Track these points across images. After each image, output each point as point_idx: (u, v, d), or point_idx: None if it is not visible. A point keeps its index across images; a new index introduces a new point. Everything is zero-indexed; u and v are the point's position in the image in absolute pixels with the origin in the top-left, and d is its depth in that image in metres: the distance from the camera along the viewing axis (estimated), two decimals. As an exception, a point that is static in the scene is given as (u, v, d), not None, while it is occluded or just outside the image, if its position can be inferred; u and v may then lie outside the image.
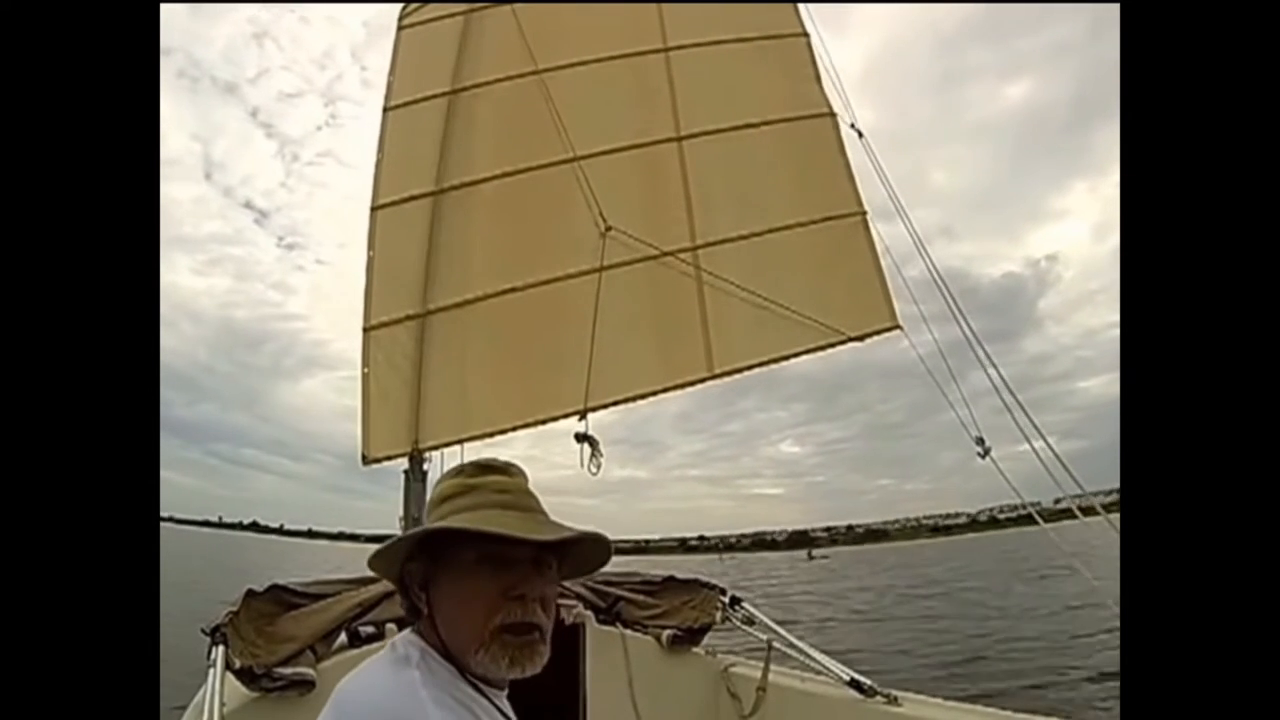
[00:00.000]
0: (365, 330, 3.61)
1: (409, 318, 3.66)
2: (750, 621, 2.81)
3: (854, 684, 2.29)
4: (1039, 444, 3.07)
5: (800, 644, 2.60)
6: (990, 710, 2.07)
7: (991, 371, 3.30)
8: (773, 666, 2.56)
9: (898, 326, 3.80)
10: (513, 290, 3.73)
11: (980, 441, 3.27)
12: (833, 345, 3.76)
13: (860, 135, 3.99)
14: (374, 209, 3.84)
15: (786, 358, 3.81)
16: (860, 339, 3.77)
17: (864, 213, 3.97)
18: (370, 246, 3.79)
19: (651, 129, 4.03)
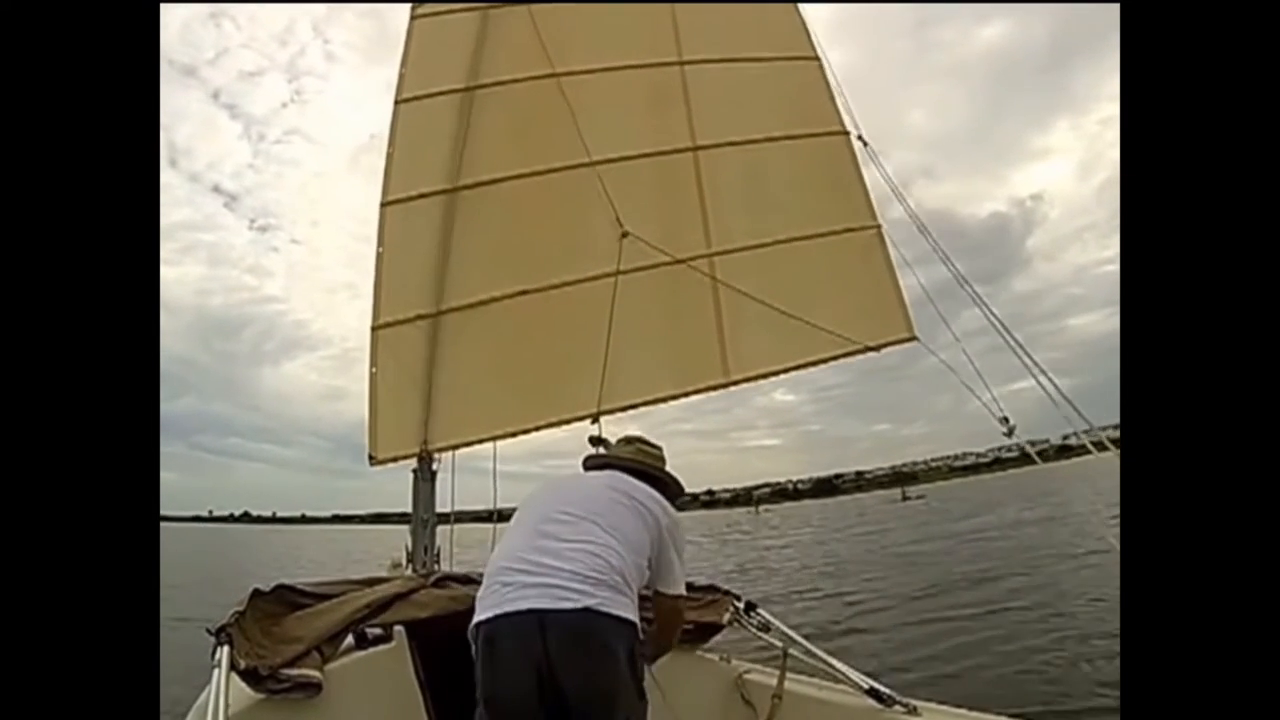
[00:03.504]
0: (374, 329, 3.59)
1: (420, 317, 3.64)
2: (765, 628, 2.76)
3: (872, 693, 2.25)
4: (1038, 382, 3.10)
5: (817, 651, 2.55)
6: None
7: (984, 311, 3.33)
8: (789, 674, 2.52)
9: (914, 338, 3.78)
10: (526, 293, 3.71)
11: (1005, 421, 3.29)
12: (849, 355, 3.74)
13: (865, 144, 3.97)
14: (384, 205, 3.77)
15: (802, 366, 3.80)
16: (876, 349, 3.76)
17: (879, 226, 3.97)
18: (380, 243, 3.73)
19: (667, 137, 4.01)
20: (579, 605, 1.65)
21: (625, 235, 3.68)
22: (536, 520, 1.90)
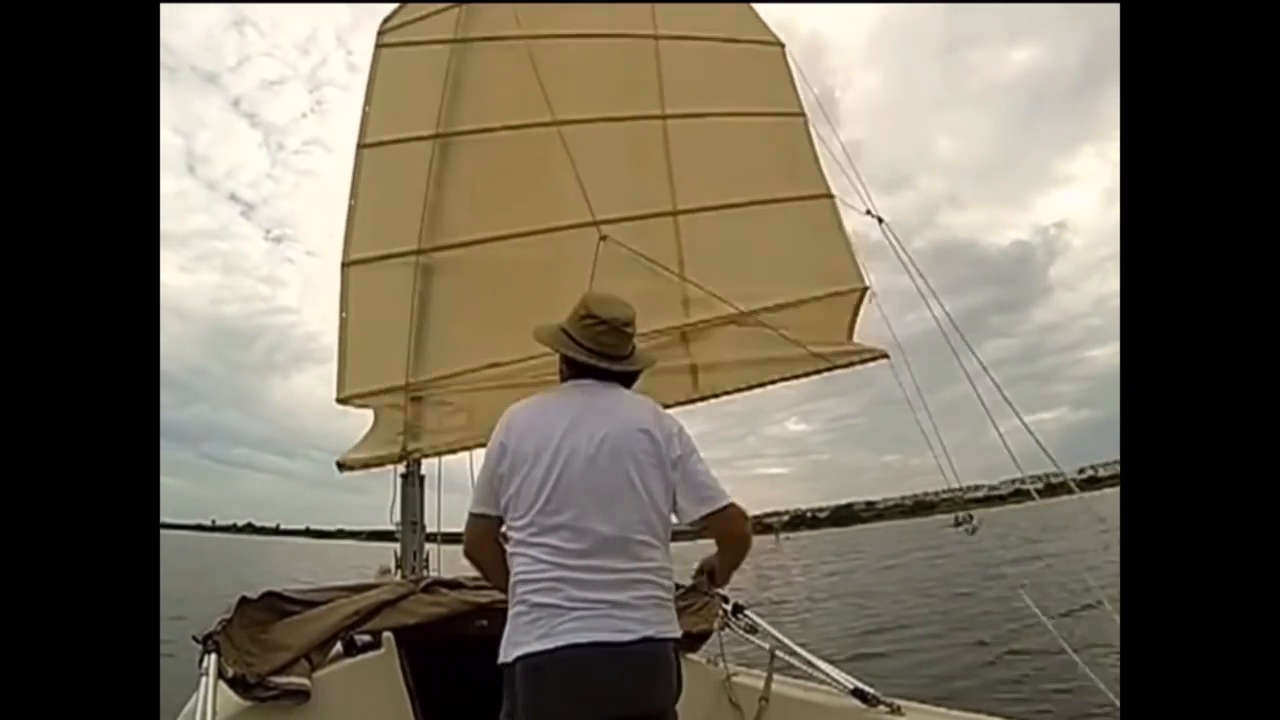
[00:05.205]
0: (339, 400, 3.43)
1: (393, 389, 3.43)
2: (753, 630, 2.77)
3: (857, 693, 2.27)
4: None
5: (803, 653, 2.57)
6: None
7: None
8: (775, 676, 2.53)
9: (884, 355, 3.69)
10: (497, 365, 3.50)
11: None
12: (819, 372, 3.65)
13: (869, 213, 3.75)
14: (345, 265, 3.48)
15: (770, 383, 3.70)
16: (846, 365, 3.67)
17: (831, 195, 3.84)
18: (343, 308, 3.45)
19: (649, 198, 3.82)
20: (638, 636, 1.66)
21: (604, 239, 3.51)
22: (565, 537, 1.70)
